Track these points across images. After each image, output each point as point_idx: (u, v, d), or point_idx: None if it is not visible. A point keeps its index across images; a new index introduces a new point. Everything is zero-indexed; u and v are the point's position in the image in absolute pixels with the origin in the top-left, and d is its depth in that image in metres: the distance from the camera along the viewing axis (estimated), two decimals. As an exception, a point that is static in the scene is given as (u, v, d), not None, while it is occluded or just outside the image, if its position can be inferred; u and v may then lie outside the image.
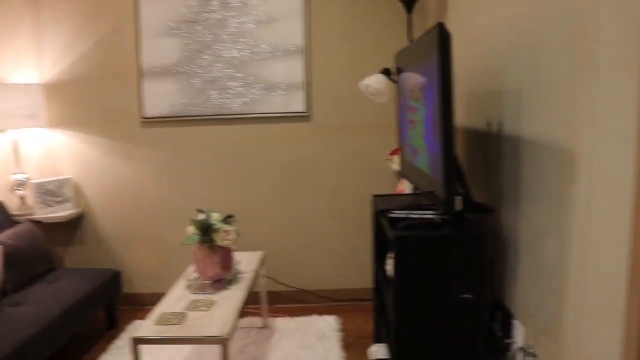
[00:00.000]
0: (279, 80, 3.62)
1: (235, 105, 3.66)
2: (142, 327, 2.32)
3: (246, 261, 3.17)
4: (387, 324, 2.34)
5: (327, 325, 3.42)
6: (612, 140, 1.24)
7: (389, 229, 1.97)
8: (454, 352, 1.91)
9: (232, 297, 2.60)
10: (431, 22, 3.34)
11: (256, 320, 3.53)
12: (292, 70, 3.61)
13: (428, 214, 2.00)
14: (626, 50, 1.17)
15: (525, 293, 1.85)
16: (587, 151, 1.37)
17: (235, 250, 3.25)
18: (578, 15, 1.40)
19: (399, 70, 2.57)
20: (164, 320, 2.36)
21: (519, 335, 1.88)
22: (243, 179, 3.77)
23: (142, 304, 3.92)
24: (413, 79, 2.20)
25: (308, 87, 3.64)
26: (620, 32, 1.20)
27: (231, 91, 3.64)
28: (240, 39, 3.59)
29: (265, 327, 3.42)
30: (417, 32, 3.47)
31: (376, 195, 2.63)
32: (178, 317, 2.38)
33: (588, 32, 1.34)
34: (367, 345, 3.11)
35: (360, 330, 3.38)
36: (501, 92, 2.02)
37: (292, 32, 3.59)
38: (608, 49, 1.25)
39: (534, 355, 1.77)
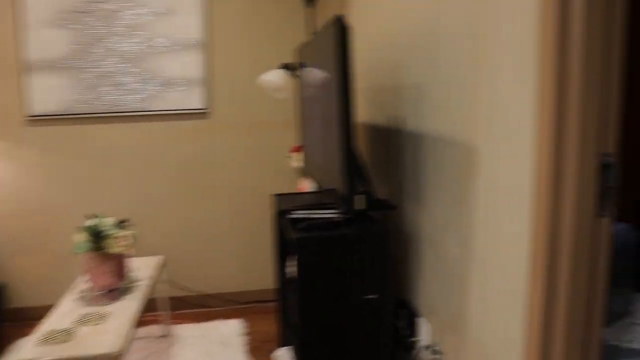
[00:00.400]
0: (177, 75, 3.45)
1: (131, 102, 3.44)
2: (24, 347, 2.10)
3: (144, 267, 2.99)
4: (291, 326, 2.27)
5: (231, 330, 3.31)
6: (510, 136, 1.22)
7: (289, 230, 1.89)
8: (359, 353, 1.87)
9: (127, 308, 2.43)
10: (332, 16, 3.30)
11: (157, 329, 3.35)
12: (191, 65, 3.45)
13: (329, 213, 1.95)
14: (523, 46, 1.16)
15: (429, 290, 1.83)
16: (486, 146, 1.35)
17: (131, 257, 3.06)
18: (477, 11, 1.38)
19: (300, 65, 2.50)
20: (49, 338, 2.16)
21: (425, 333, 1.86)
22: (139, 181, 3.56)
23: (30, 319, 3.61)
24: (314, 73, 2.13)
25: (208, 82, 3.49)
26: (518, 28, 1.18)
27: (126, 87, 3.42)
28: (136, 32, 3.38)
29: (166, 335, 3.25)
30: (320, 26, 3.42)
31: (277, 195, 2.55)
32: (65, 335, 2.18)
33: (487, 27, 1.33)
34: (273, 349, 3.02)
35: (266, 333, 3.29)
36: (402, 87, 2.00)
37: (191, 25, 3.42)
38: (506, 44, 1.24)
39: (439, 352, 1.75)
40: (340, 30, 1.64)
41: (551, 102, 1.02)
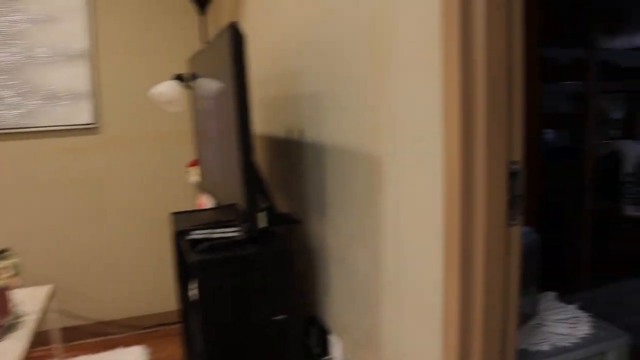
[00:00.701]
0: (61, 88, 3.19)
1: (9, 118, 3.14)
2: None
3: (31, 299, 2.72)
4: (196, 350, 2.13)
5: (133, 357, 3.09)
6: (417, 145, 1.17)
7: (188, 253, 1.76)
8: (269, 377, 1.77)
9: (11, 348, 2.18)
10: (226, 23, 3.18)
11: (49, 365, 3.07)
12: (76, 77, 3.20)
13: (230, 232, 1.83)
14: (426, 52, 1.11)
15: (341, 306, 1.76)
16: (392, 157, 1.30)
17: (15, 289, 2.78)
18: (376, 15, 1.33)
19: (194, 76, 2.37)
20: None
21: (338, 350, 1.79)
22: (23, 205, 3.25)
23: None
24: (208, 84, 2.02)
25: (96, 95, 3.25)
26: (421, 33, 1.14)
27: (3, 101, 3.12)
28: (13, 41, 3.09)
29: (60, 370, 2.99)
30: (214, 34, 3.29)
31: (175, 213, 2.40)
32: None
33: (388, 32, 1.27)
34: (180, 376, 2.85)
35: (171, 357, 3.11)
36: (301, 96, 1.93)
37: (75, 33, 3.18)
38: (408, 50, 1.19)
39: (351, 370, 1.69)
40: (235, 38, 1.54)
41: (458, 110, 0.98)
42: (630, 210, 3.43)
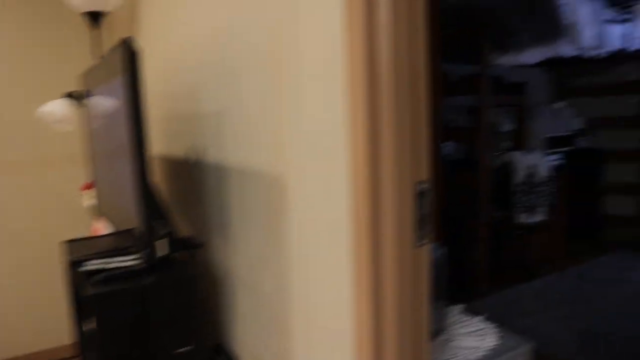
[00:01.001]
0: None
1: None
2: None
3: None
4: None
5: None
6: (322, 166, 1.14)
7: (83, 285, 1.63)
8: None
9: None
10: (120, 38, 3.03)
11: None
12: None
13: (127, 260, 1.71)
14: (328, 69, 1.08)
15: (248, 333, 1.69)
16: (296, 178, 1.25)
17: None
18: (277, 32, 1.29)
19: (86, 93, 2.22)
20: None
21: (245, 379, 1.72)
22: None
23: None
24: (101, 101, 1.89)
25: (-26, 115, 2.99)
26: (320, 50, 1.11)
27: None
28: None
29: None
30: (107, 50, 3.13)
31: (68, 241, 2.22)
32: None
33: (288, 49, 1.23)
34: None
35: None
36: (201, 115, 1.85)
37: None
38: (310, 68, 1.16)
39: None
40: (129, 54, 1.45)
41: (363, 131, 0.95)
42: (523, 218, 3.62)
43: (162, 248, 1.55)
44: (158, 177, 2.40)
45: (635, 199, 4.74)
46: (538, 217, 3.65)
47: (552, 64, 4.59)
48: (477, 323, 1.70)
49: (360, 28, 0.94)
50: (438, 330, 1.60)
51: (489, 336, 1.59)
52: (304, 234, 1.24)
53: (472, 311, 3.08)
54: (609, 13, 4.14)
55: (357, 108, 0.96)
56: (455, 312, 1.78)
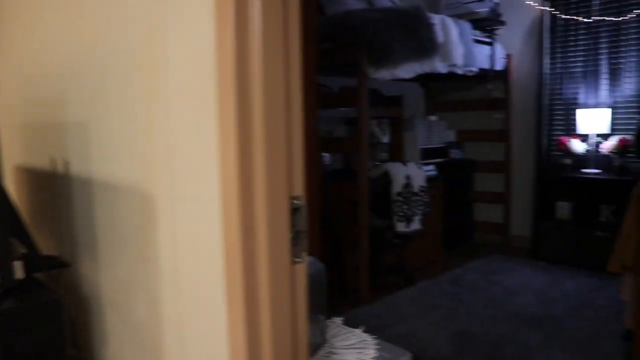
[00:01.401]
0: None
1: None
2: None
3: None
4: None
5: None
6: (193, 182, 1.08)
7: None
8: None
9: None
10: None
11: None
12: None
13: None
14: (198, 83, 1.03)
15: (120, 358, 1.58)
16: (167, 194, 1.18)
17: None
18: (146, 41, 1.21)
19: None
20: None
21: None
22: None
23: None
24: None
25: None
26: (190, 61, 1.05)
27: None
28: None
29: None
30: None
31: None
32: None
33: (158, 60, 1.16)
34: None
35: None
36: (66, 124, 1.71)
37: None
38: (180, 81, 1.09)
39: None
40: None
41: (235, 147, 0.91)
42: (401, 227, 3.73)
43: (20, 269, 1.41)
44: (16, 189, 2.19)
45: (500, 206, 5.08)
46: (415, 226, 3.78)
47: (427, 79, 4.83)
48: (357, 335, 1.71)
49: (231, 42, 0.90)
50: (319, 344, 1.59)
51: (368, 349, 1.60)
52: (177, 254, 1.18)
53: (354, 319, 3.13)
54: (476, 35, 4.43)
55: (228, 124, 0.91)
56: (336, 325, 1.78)
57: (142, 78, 1.24)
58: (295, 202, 0.98)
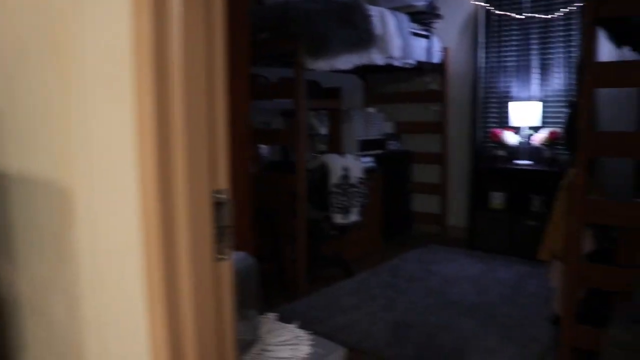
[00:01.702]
0: None
1: None
2: None
3: None
4: None
5: None
6: (111, 176, 1.02)
7: None
8: None
9: None
10: None
11: None
12: None
13: None
14: (114, 67, 0.96)
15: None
16: (83, 188, 1.11)
17: None
18: (60, 20, 1.13)
19: None
20: None
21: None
22: None
23: None
24: None
25: None
26: (105, 44, 0.99)
27: None
28: None
29: None
30: None
31: None
32: None
33: (75, 43, 1.09)
34: None
35: None
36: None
37: None
38: (95, 65, 1.03)
39: None
40: None
41: (152, 139, 0.85)
42: (338, 219, 3.73)
43: None
44: None
45: (437, 197, 5.17)
46: (353, 217, 3.79)
47: (365, 71, 4.85)
48: (291, 331, 1.68)
49: (148, 27, 0.84)
50: (251, 341, 1.55)
51: (302, 345, 1.57)
52: (95, 253, 1.11)
53: (292, 312, 3.10)
54: (414, 27, 4.48)
55: (145, 114, 0.86)
56: (270, 321, 1.75)
57: (57, 62, 1.16)
58: (219, 196, 0.94)
